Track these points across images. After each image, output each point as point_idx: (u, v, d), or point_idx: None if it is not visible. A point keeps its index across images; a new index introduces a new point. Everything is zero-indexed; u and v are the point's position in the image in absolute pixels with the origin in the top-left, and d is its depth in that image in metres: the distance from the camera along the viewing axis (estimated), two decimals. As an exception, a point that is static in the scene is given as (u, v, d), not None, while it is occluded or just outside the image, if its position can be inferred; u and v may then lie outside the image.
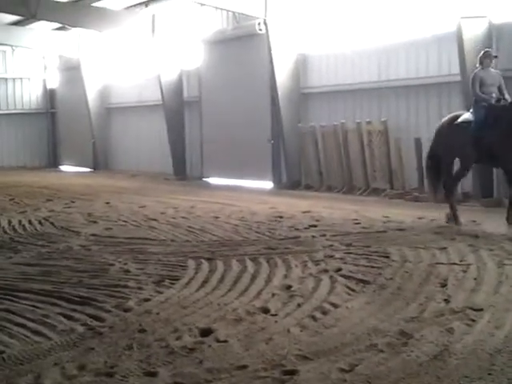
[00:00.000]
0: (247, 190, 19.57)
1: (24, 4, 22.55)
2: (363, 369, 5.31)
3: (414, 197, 15.51)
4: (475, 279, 7.82)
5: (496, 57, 11.97)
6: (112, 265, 9.35)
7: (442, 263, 8.68)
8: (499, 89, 11.54)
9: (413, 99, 16.85)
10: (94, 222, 13.65)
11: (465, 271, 8.20)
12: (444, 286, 7.62)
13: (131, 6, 24.25)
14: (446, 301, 7.02)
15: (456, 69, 15.20)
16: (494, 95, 11.38)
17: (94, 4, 23.78)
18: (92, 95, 28.89)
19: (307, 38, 19.52)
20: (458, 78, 15.12)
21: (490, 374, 5.09)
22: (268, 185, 20.27)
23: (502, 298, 7.09)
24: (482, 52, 11.71)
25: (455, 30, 14.86)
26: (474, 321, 6.31)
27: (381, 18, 17.62)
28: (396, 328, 6.20)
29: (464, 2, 14.69)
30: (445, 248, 9.61)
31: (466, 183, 14.82)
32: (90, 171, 29.00)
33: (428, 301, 7.05)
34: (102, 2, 23.57)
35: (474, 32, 14.68)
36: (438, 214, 12.59)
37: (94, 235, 11.98)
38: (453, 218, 11.56)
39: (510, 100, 11.46)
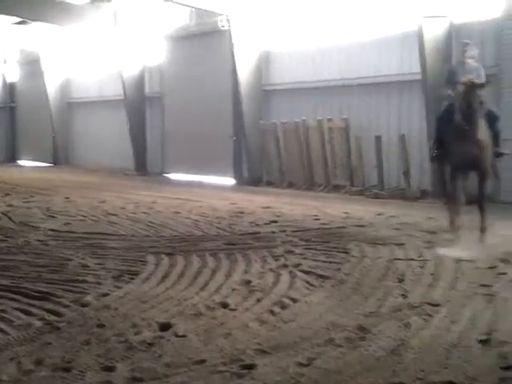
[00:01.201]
0: (209, 186, 19.55)
1: (-17, -3, 22.25)
2: (321, 363, 5.35)
3: (374, 194, 15.67)
4: (432, 275, 7.93)
5: (466, 45, 10.70)
6: (70, 260, 9.26)
7: (400, 259, 8.77)
8: None
9: (374, 97, 16.99)
10: (53, 217, 13.51)
11: (422, 267, 8.30)
12: (402, 281, 7.71)
13: (94, 1, 24.01)
14: (404, 296, 7.10)
15: (417, 68, 15.37)
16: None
17: (55, -3, 23.50)
18: (52, 89, 28.59)
19: (270, 35, 19.55)
20: (419, 77, 15.30)
21: (446, 368, 5.16)
22: (229, 181, 20.27)
23: (458, 293, 7.20)
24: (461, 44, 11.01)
25: (417, 30, 15.01)
26: (430, 316, 6.39)
27: (344, 17, 17.73)
28: (354, 323, 6.26)
29: (426, 2, 14.85)
30: (403, 244, 9.71)
31: (426, 180, 15.03)
32: (50, 166, 28.71)
33: (386, 296, 7.13)
34: (63, -4, 23.32)
35: (435, 32, 14.87)
36: (395, 211, 12.75)
37: (52, 230, 11.85)
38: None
39: None
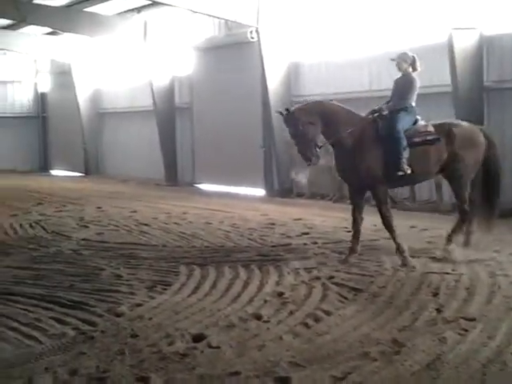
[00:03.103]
0: (239, 197, 19.56)
1: (15, 8, 22.49)
2: (356, 377, 5.32)
3: (406, 206, 15.55)
4: (467, 289, 7.83)
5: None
6: (103, 269, 9.33)
7: (434, 272, 8.69)
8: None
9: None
10: (86, 226, 13.61)
11: (457, 281, 8.22)
12: (436, 295, 7.64)
13: (123, 12, 24.21)
14: (439, 310, 7.04)
15: (446, 79, 15.26)
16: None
17: (85, 9, 23.73)
18: (83, 100, 28.82)
19: (299, 46, 19.56)
20: (449, 89, 15.19)
21: (482, 384, 5.11)
22: (259, 192, 20.26)
23: (494, 308, 7.11)
24: (414, 55, 10.36)
25: (446, 41, 14.93)
26: (466, 330, 6.33)
27: (373, 28, 17.69)
28: (389, 337, 6.22)
29: (455, 14, 14.77)
30: (436, 257, 9.62)
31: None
32: (81, 176, 28.92)
33: (420, 310, 7.07)
34: (93, 8, 23.53)
35: (464, 43, 14.76)
36: (428, 224, 12.64)
37: (85, 240, 11.96)
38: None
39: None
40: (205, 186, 22.58)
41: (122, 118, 27.85)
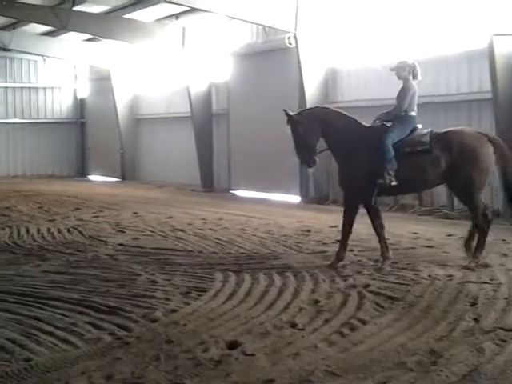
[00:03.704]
0: (274, 204, 19.54)
1: (55, 15, 22.79)
2: (392, 387, 5.26)
3: (443, 214, 15.38)
4: (506, 299, 7.70)
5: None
6: (139, 275, 9.37)
7: (472, 282, 8.57)
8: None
9: (442, 116, 16.71)
10: (122, 231, 13.70)
11: (495, 290, 8.09)
12: (474, 304, 7.52)
13: (162, 19, 24.39)
14: (476, 320, 6.93)
15: (487, 86, 15.09)
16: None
17: (124, 16, 23.97)
18: (121, 106, 29.08)
19: (337, 52, 19.51)
20: (489, 96, 15.01)
21: (521, 396, 5.02)
22: (295, 198, 20.22)
23: (533, 318, 6.99)
24: (408, 62, 10.38)
25: (486, 47, 14.76)
26: (504, 341, 6.22)
27: (411, 34, 17.56)
28: (425, 346, 6.14)
29: (496, 19, 14.59)
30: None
31: (496, 201, 14.66)
32: (118, 181, 29.16)
33: (458, 320, 6.96)
34: (132, 14, 23.74)
35: (505, 49, 14.56)
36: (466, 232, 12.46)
37: (121, 245, 12.03)
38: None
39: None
40: (240, 193, 22.61)
41: (159, 124, 28.03)
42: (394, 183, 9.56)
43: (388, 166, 9.56)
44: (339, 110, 10.47)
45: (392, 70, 10.34)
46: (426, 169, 9.65)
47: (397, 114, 9.94)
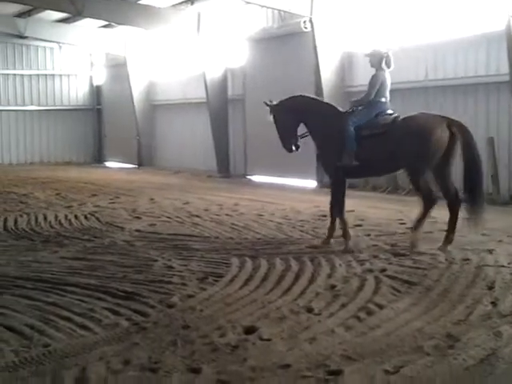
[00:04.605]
0: (291, 189, 19.52)
1: (71, 2, 22.79)
2: (409, 371, 5.25)
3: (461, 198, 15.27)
4: (524, 282, 7.68)
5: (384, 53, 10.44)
6: (156, 260, 9.41)
7: (490, 265, 8.53)
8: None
9: (461, 99, 16.62)
10: (138, 217, 13.75)
11: (513, 274, 8.06)
12: (491, 288, 7.50)
13: (177, 4, 24.34)
14: (494, 304, 6.91)
15: (505, 68, 14.96)
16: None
17: (139, 2, 23.94)
18: (137, 92, 29.10)
19: (353, 36, 19.39)
20: (507, 78, 14.88)
21: (539, 380, 5.00)
22: (311, 183, 20.18)
23: (551, 302, 6.95)
24: (379, 51, 10.55)
25: (504, 29, 14.61)
26: (522, 325, 6.19)
27: (428, 16, 17.42)
28: (442, 331, 6.12)
29: (513, 1, 14.44)
30: (492, 250, 9.45)
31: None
32: (135, 167, 29.23)
33: (475, 304, 6.95)
34: (148, 0, 23.71)
35: (523, 31, 14.41)
36: (485, 216, 12.40)
37: (138, 231, 12.07)
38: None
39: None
40: (257, 178, 22.61)
41: (175, 110, 28.03)
42: (354, 163, 10.02)
43: (347, 148, 10.05)
44: (316, 97, 11.18)
45: (366, 56, 10.64)
46: (382, 151, 9.94)
47: (366, 101, 10.34)
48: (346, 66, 19.43)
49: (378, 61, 10.41)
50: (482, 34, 15.95)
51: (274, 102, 10.87)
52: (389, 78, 10.45)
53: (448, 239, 9.74)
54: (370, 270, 8.48)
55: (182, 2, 24.13)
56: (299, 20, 19.62)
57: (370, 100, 10.27)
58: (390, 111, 10.35)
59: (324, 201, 14.59)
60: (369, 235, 10.90)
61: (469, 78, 16.28)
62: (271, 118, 10.87)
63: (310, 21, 19.06)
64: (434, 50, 17.06)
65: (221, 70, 24.21)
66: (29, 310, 7.06)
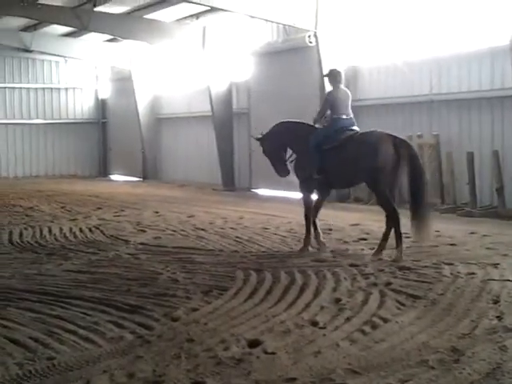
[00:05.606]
0: (295, 202, 19.46)
1: (76, 16, 22.93)
2: (414, 385, 5.23)
3: (466, 212, 15.28)
4: (529, 297, 7.64)
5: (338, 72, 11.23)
6: (160, 274, 9.40)
7: (495, 279, 8.50)
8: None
9: (465, 113, 16.63)
10: (143, 230, 13.75)
11: (518, 288, 8.03)
12: (497, 302, 7.47)
13: (182, 19, 24.45)
14: (499, 318, 6.88)
15: (509, 83, 14.97)
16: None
17: (145, 16, 24.05)
18: (143, 106, 29.19)
19: (357, 51, 19.44)
20: (511, 93, 14.89)
21: (544, 395, 4.97)
22: (315, 197, 20.11)
23: (557, 316, 6.92)
24: (333, 70, 11.33)
25: (509, 43, 14.63)
26: (528, 339, 6.16)
27: (433, 30, 17.45)
28: (447, 344, 6.10)
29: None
30: (497, 264, 9.42)
31: None
32: (140, 180, 29.27)
33: (480, 318, 6.92)
34: (153, 15, 23.82)
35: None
36: (489, 230, 12.40)
37: (142, 244, 12.08)
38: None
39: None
40: (261, 191, 22.60)
41: (180, 124, 28.11)
42: (315, 176, 10.83)
43: (310, 162, 10.85)
44: (297, 120, 11.91)
45: (324, 76, 11.72)
46: (340, 164, 10.61)
47: (316, 119, 11.20)
48: (350, 80, 19.44)
49: (332, 79, 11.09)
50: (486, 49, 15.98)
51: (260, 136, 11.82)
52: (345, 94, 11.00)
53: (381, 247, 10.41)
54: (375, 284, 8.46)
55: (187, 17, 24.24)
56: (304, 34, 19.67)
57: (333, 117, 10.87)
58: (354, 127, 10.90)
59: (329, 214, 14.65)
60: (374, 249, 10.87)
61: (473, 92, 16.30)
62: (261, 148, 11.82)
63: (315, 35, 19.12)
64: (439, 64, 17.09)
65: (226, 84, 24.27)
66: (33, 323, 7.06)
